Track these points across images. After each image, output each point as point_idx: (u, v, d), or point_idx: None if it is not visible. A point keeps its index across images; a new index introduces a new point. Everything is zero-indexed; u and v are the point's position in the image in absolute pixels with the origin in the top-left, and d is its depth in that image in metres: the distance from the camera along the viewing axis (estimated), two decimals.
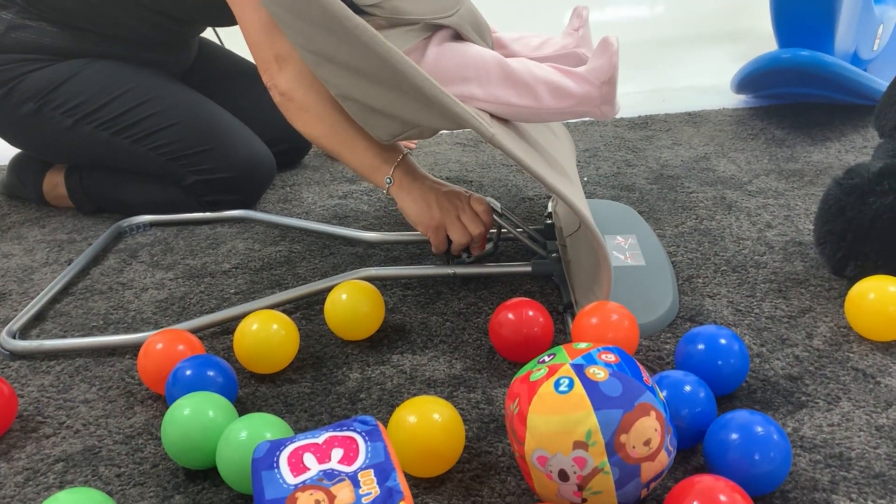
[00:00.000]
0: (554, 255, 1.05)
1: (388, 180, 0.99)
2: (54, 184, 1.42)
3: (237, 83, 1.49)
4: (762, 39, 2.18)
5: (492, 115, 0.90)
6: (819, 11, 1.46)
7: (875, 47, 1.73)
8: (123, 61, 1.32)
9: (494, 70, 0.89)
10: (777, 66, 1.48)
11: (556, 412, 0.62)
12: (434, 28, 0.91)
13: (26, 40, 1.27)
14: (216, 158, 1.31)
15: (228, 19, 1.03)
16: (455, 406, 0.81)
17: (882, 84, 1.51)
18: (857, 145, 1.47)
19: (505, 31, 1.05)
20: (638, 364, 0.67)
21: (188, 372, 0.82)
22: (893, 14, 1.82)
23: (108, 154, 1.33)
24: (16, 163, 1.47)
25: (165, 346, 0.86)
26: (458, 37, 0.93)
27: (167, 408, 0.84)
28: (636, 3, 2.57)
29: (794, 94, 1.64)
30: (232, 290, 1.10)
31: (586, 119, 1.72)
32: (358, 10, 0.85)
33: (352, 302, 0.94)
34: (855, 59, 1.67)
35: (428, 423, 0.71)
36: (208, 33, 1.53)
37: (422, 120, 0.91)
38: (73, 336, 1.01)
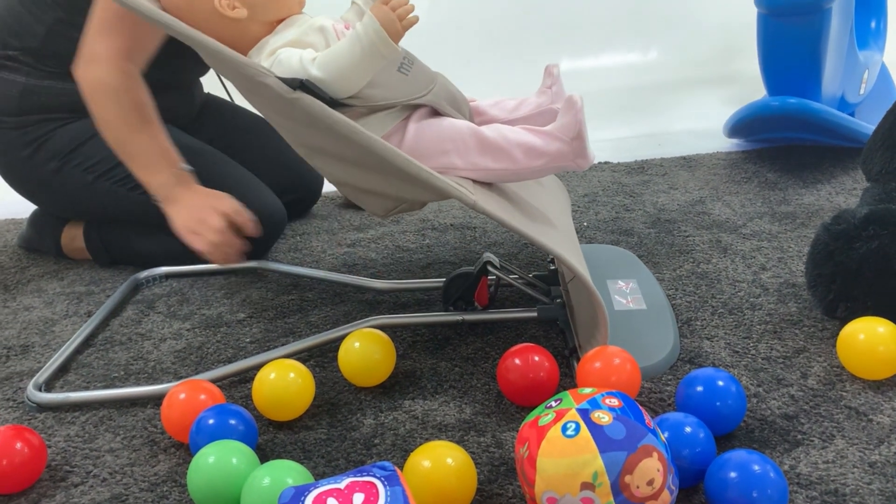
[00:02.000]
0: (558, 300, 1.09)
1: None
2: (72, 237, 1.47)
3: (246, 136, 1.54)
4: (753, 82, 2.24)
5: (474, 181, 0.96)
6: (805, 59, 1.52)
7: (861, 91, 1.79)
8: None
9: (470, 140, 0.95)
10: (767, 114, 1.54)
11: (564, 455, 0.66)
12: (412, 108, 0.97)
13: (45, 102, 1.33)
14: None
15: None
16: (466, 450, 0.84)
17: (868, 127, 1.56)
18: (847, 187, 1.52)
19: (491, 95, 1.11)
20: (640, 407, 0.71)
21: (211, 421, 0.85)
22: (878, 59, 1.89)
23: (126, 209, 1.38)
24: (35, 217, 1.52)
25: (188, 396, 0.90)
26: (435, 113, 0.99)
27: (190, 456, 0.88)
28: (630, 50, 2.64)
29: (784, 138, 1.69)
30: (248, 339, 1.15)
31: None
32: (339, 103, 0.91)
33: (365, 350, 0.98)
34: (842, 103, 1.73)
35: (441, 467, 0.75)
36: (219, 89, 1.59)
37: (409, 195, 0.98)
38: (96, 388, 1.05)
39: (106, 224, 1.43)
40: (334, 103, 0.90)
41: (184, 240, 1.17)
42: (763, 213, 1.44)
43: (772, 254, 1.27)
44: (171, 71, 1.41)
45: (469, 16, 2.57)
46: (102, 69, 1.16)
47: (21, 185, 1.43)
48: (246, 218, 1.19)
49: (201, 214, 1.17)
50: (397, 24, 0.87)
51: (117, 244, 1.44)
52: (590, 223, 1.46)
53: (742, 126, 1.65)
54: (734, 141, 1.84)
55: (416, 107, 0.98)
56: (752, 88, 2.10)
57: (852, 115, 1.79)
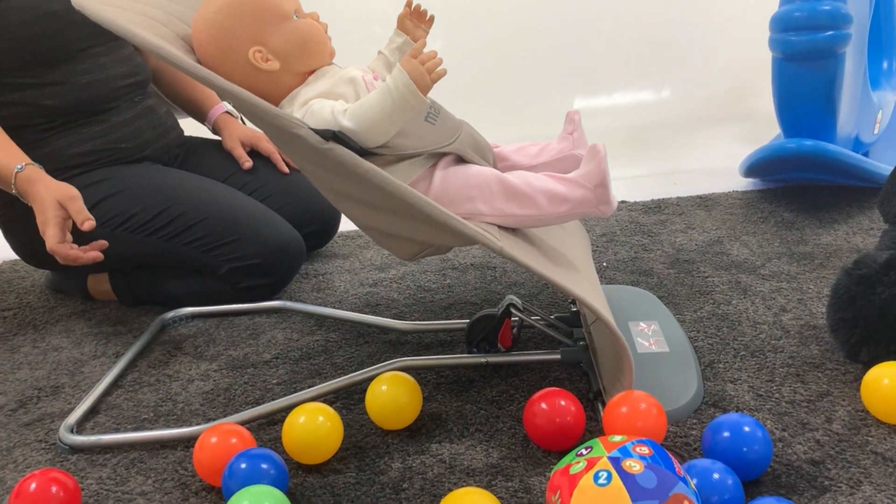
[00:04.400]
0: (581, 342, 1.10)
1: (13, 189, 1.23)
2: (98, 279, 1.49)
3: (261, 173, 1.57)
4: (766, 120, 2.26)
5: (500, 227, 0.98)
6: (820, 102, 1.54)
7: (875, 131, 1.81)
8: (120, 159, 1.43)
9: (496, 186, 0.98)
10: (783, 155, 1.56)
11: None
12: (438, 156, 1.00)
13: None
14: (246, 246, 1.38)
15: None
16: (494, 495, 0.85)
17: (883, 168, 1.58)
18: (864, 227, 1.53)
19: (509, 136, 1.13)
20: (670, 455, 0.72)
21: (243, 465, 0.87)
22: (891, 98, 1.91)
23: (148, 253, 1.41)
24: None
25: (219, 440, 0.92)
26: (461, 160, 1.01)
27: (222, 499, 0.90)
28: (642, 88, 2.68)
29: (799, 178, 1.71)
30: (274, 381, 1.16)
31: None
32: (369, 152, 0.93)
33: (392, 393, 0.99)
34: (857, 143, 1.75)
35: None
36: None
37: (436, 240, 1.00)
38: (126, 429, 1.07)
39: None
40: (364, 152, 0.93)
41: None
42: (781, 253, 1.45)
43: (791, 295, 1.28)
44: (87, 86, 1.40)
45: (482, 54, 2.61)
46: None
47: (41, 256, 1.47)
48: (81, 217, 1.21)
49: (42, 222, 1.21)
50: (426, 77, 0.89)
51: (142, 286, 1.46)
52: (609, 263, 1.47)
53: (758, 167, 1.67)
54: (749, 180, 1.86)
55: (443, 154, 1.00)
56: (765, 127, 2.12)
57: (867, 154, 1.81)
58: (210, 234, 1.38)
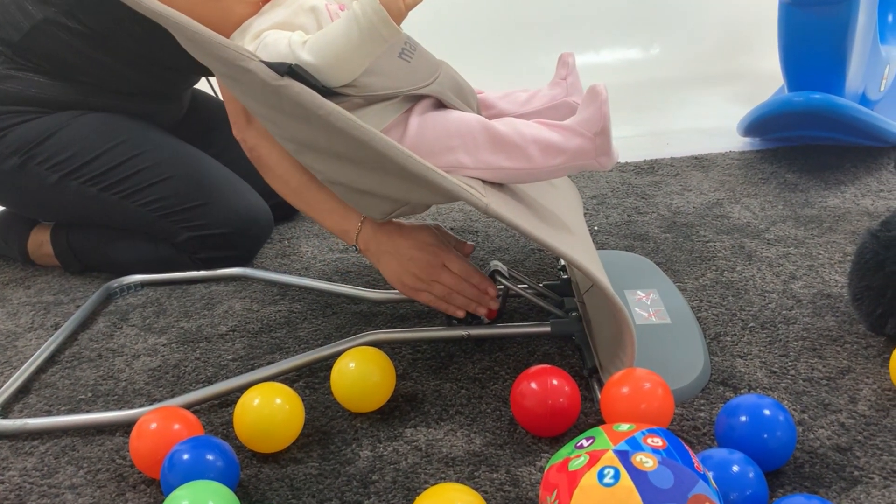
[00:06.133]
0: (574, 313, 0.99)
1: (355, 248, 0.98)
2: (39, 242, 1.35)
3: (231, 135, 1.43)
4: (760, 79, 2.16)
5: (484, 182, 0.85)
6: (830, 53, 1.42)
7: (882, 87, 1.70)
8: (114, 112, 1.27)
9: (480, 135, 0.85)
10: (789, 110, 1.44)
11: None
12: (414, 99, 0.87)
13: (11, 92, 1.22)
14: (210, 214, 1.25)
15: None
16: (477, 488, 0.75)
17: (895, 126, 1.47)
18: (873, 189, 1.43)
19: (492, 89, 1.00)
20: (686, 448, 0.61)
21: (185, 456, 0.75)
22: None
23: (95, 211, 1.27)
24: None
25: (160, 425, 0.79)
26: (440, 105, 0.88)
27: (162, 495, 0.77)
28: (631, 45, 2.55)
29: (803, 136, 1.60)
30: (229, 356, 1.04)
31: None
32: (333, 93, 0.80)
33: (361, 371, 0.87)
34: (863, 100, 1.64)
35: None
36: (203, 84, 1.48)
37: (411, 197, 0.88)
38: (59, 412, 0.94)
39: (76, 228, 1.32)
40: (327, 92, 0.80)
41: (402, 293, 0.98)
42: (786, 216, 1.34)
43: (800, 261, 1.17)
44: (163, 83, 1.31)
45: (463, 7, 2.47)
46: None
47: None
48: (479, 281, 0.97)
49: (425, 272, 0.95)
50: (399, 1, 0.76)
51: (88, 250, 1.32)
52: (601, 227, 1.35)
53: (760, 123, 1.55)
54: (746, 140, 1.75)
55: (419, 98, 0.87)
56: (760, 86, 2.01)
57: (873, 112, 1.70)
58: (171, 197, 1.25)
